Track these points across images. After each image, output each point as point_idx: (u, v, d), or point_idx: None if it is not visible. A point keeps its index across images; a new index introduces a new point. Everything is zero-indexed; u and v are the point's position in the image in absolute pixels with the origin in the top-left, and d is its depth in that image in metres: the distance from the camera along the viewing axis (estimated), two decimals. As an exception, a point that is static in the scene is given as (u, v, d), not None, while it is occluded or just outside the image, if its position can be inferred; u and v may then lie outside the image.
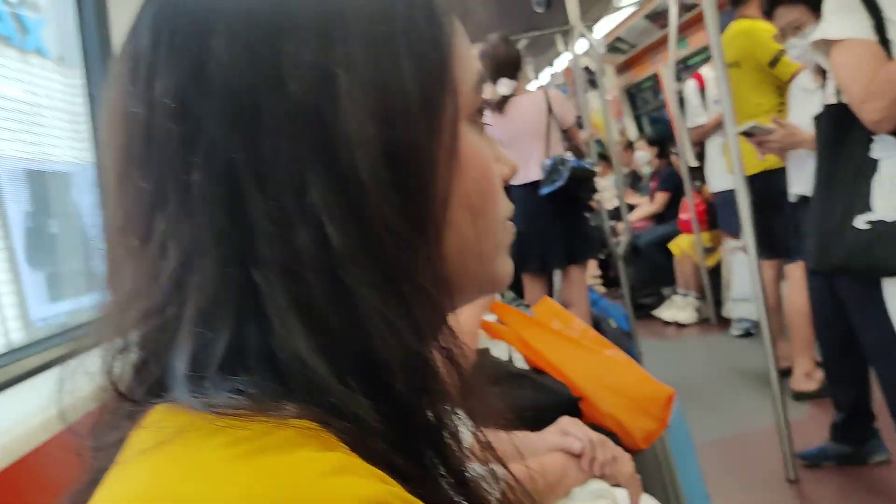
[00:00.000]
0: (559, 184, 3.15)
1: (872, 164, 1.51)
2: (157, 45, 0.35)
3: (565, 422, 1.10)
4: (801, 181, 2.48)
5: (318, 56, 0.34)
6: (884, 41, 1.49)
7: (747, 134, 2.23)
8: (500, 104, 3.38)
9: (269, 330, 0.33)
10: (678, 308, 4.99)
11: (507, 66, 3.31)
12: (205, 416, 0.31)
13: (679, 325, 4.88)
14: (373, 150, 0.35)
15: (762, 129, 2.26)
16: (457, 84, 0.39)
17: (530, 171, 3.31)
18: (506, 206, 0.46)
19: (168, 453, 0.31)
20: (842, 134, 1.56)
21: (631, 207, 6.23)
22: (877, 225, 1.49)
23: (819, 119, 1.67)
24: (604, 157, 5.43)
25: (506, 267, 0.46)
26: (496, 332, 1.58)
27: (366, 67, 0.35)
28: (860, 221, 1.51)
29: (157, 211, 0.34)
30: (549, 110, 3.29)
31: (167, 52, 0.35)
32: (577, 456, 1.08)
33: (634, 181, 6.41)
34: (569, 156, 3.26)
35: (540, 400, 1.42)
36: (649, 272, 5.38)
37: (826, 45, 1.57)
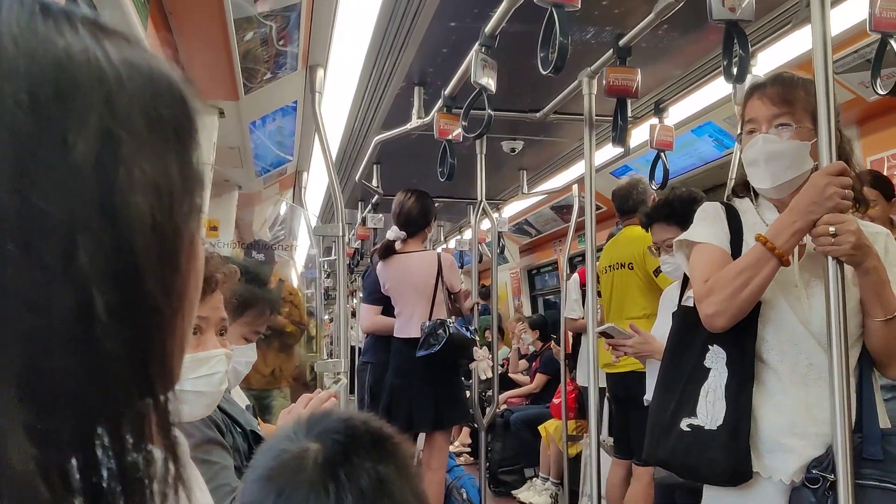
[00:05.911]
0: (435, 349, 3.18)
1: (704, 372, 1.59)
2: None
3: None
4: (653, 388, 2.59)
5: (103, 117, 0.34)
6: (737, 251, 1.63)
7: (606, 335, 2.34)
8: (385, 251, 3.50)
9: None
10: (536, 491, 4.98)
11: (405, 218, 3.50)
12: None
13: (533, 509, 4.86)
14: (146, 219, 0.35)
15: (619, 332, 2.37)
16: (201, 176, 0.41)
17: (411, 328, 3.35)
18: None
19: None
20: (685, 335, 1.65)
21: (511, 381, 6.35)
22: (696, 430, 1.56)
23: (673, 317, 1.77)
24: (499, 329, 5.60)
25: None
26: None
27: (147, 133, 0.36)
28: (684, 423, 1.58)
29: None
30: (440, 273, 3.41)
31: None
32: None
33: (522, 357, 6.56)
34: (451, 321, 3.32)
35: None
36: (516, 449, 5.41)
37: (687, 247, 1.73)
